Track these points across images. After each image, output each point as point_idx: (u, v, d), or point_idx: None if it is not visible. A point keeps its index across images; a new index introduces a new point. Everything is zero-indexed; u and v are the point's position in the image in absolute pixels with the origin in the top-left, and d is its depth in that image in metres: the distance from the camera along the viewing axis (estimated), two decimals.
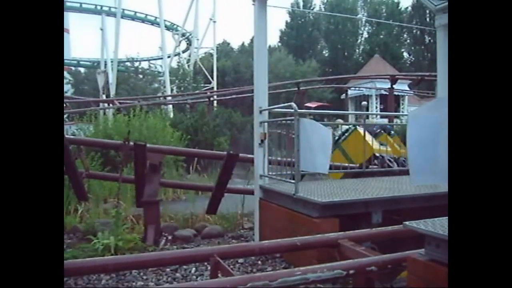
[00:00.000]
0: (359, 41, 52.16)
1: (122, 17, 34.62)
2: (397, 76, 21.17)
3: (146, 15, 39.70)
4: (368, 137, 6.46)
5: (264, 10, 5.10)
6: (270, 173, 5.18)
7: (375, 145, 6.82)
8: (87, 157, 7.45)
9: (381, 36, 47.90)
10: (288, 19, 52.19)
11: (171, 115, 18.80)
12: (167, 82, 32.69)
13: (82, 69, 42.94)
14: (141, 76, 35.12)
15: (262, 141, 5.07)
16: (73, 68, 41.67)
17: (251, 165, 6.04)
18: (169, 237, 5.49)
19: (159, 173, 5.87)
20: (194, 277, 4.01)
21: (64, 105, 20.49)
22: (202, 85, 35.14)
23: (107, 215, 5.96)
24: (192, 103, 20.28)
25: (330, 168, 4.96)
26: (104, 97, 30.20)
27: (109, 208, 6.18)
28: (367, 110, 26.81)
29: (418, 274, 2.14)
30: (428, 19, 43.13)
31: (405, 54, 50.80)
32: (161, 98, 27.17)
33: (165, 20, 35.83)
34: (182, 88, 32.45)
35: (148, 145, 5.65)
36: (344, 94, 30.34)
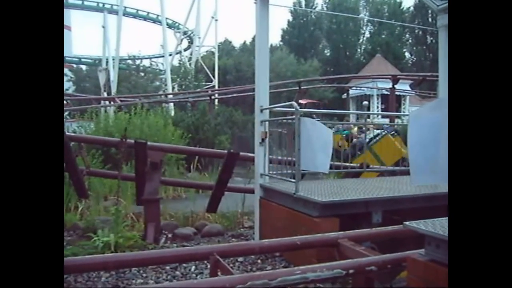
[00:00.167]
0: (361, 40, 52.06)
1: (124, 15, 34.63)
2: (398, 76, 21.14)
3: (148, 13, 39.65)
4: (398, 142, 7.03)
5: (266, 9, 5.09)
6: (271, 172, 5.19)
7: (404, 148, 7.13)
8: (88, 154, 7.46)
9: (383, 36, 47.79)
10: (290, 18, 52.09)
11: (172, 113, 18.81)
12: (168, 80, 32.70)
13: (83, 67, 42.92)
14: (142, 74, 35.12)
15: (263, 140, 5.07)
16: (74, 65, 41.62)
17: (251, 164, 6.04)
18: (169, 235, 5.50)
19: (160, 171, 5.87)
20: (194, 275, 4.02)
21: (65, 102, 20.52)
22: (203, 83, 35.07)
23: (107, 212, 5.96)
24: (193, 102, 20.28)
25: (331, 168, 4.98)
26: (105, 94, 30.24)
27: (109, 205, 6.18)
28: (368, 109, 26.84)
29: (418, 274, 2.14)
30: (430, 19, 42.99)
31: (407, 54, 50.69)
32: (162, 96, 27.18)
33: (167, 18, 35.79)
34: (183, 87, 32.47)
35: (149, 143, 5.66)
36: (345, 94, 30.31)
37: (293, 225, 4.19)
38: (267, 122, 5.14)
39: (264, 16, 5.09)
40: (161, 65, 39.01)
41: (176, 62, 38.72)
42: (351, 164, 6.62)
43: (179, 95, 27.12)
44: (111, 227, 4.91)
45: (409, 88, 28.90)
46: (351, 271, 2.50)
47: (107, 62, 34.89)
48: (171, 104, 23.91)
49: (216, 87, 34.07)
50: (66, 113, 21.19)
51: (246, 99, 22.69)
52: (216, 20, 40.22)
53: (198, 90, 29.93)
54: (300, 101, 23.25)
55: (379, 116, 21.55)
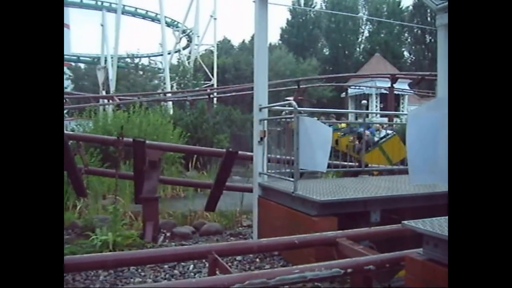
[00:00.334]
0: (359, 39, 52.03)
1: (122, 13, 34.53)
2: (397, 75, 21.19)
3: (147, 11, 39.61)
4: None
5: (265, 8, 5.09)
6: (269, 171, 5.18)
7: None
8: (86, 153, 7.44)
9: (382, 35, 47.80)
10: (289, 17, 52.06)
11: (171, 112, 18.78)
12: (167, 78, 32.65)
13: (82, 65, 42.84)
14: (141, 72, 35.01)
15: (261, 138, 5.07)
16: (73, 63, 41.53)
17: (250, 162, 6.04)
18: (168, 234, 5.50)
19: (158, 169, 5.86)
20: (192, 274, 4.02)
21: (64, 100, 20.46)
22: (202, 82, 35.05)
23: (105, 211, 5.96)
24: (192, 100, 20.27)
25: (329, 166, 4.98)
26: (104, 93, 30.11)
27: (107, 204, 6.18)
28: (367, 108, 26.88)
29: (416, 273, 2.14)
30: (429, 19, 43.01)
31: (406, 53, 50.74)
32: (161, 94, 27.14)
33: (165, 17, 35.76)
34: (182, 85, 32.44)
35: (147, 141, 5.65)
36: (344, 93, 30.32)
37: (291, 224, 4.19)
38: (265, 121, 5.13)
39: (263, 15, 5.09)
40: (160, 64, 38.95)
41: (175, 61, 38.73)
42: (350, 163, 6.64)
43: (178, 93, 27.09)
44: (109, 225, 4.90)
45: (407, 87, 28.92)
46: (349, 270, 2.50)
47: (105, 60, 34.84)
48: (170, 103, 23.87)
49: (215, 86, 34.07)
50: (64, 112, 21.13)
51: (245, 98, 22.67)
52: (215, 18, 40.25)
53: (197, 88, 29.89)
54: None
55: (378, 115, 21.54)
